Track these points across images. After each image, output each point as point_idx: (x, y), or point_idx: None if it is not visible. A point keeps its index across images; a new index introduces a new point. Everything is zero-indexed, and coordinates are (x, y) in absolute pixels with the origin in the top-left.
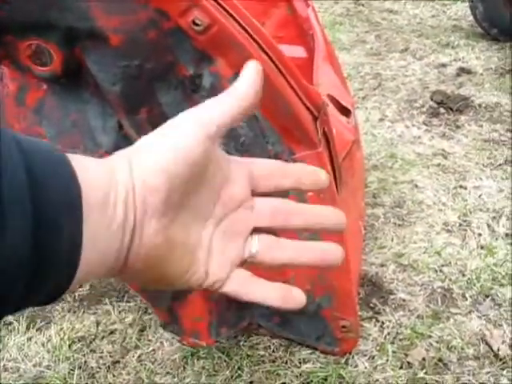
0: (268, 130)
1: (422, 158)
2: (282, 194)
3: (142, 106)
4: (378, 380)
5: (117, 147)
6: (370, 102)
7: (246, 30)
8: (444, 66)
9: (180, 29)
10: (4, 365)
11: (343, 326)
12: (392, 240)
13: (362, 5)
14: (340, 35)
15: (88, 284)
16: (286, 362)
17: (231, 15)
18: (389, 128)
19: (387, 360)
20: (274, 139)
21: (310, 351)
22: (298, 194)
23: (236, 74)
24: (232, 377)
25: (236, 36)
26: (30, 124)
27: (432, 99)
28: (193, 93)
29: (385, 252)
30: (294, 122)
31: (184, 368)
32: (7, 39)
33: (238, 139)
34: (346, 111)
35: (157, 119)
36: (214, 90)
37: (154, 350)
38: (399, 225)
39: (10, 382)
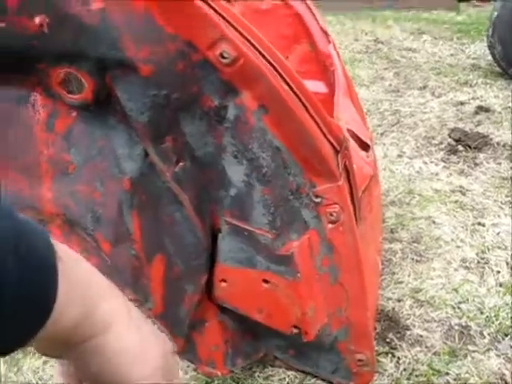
0: (290, 162)
1: (439, 195)
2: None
3: (167, 135)
4: None
5: (142, 174)
6: (388, 139)
7: (270, 64)
8: (462, 103)
9: (207, 61)
10: None
11: (359, 360)
12: (409, 275)
13: (382, 43)
14: (359, 72)
15: None
16: None
17: (257, 48)
18: (407, 164)
19: None
20: (296, 171)
21: None
22: (318, 228)
23: (260, 107)
24: None
25: (262, 69)
26: (59, 150)
27: (450, 136)
28: (217, 124)
29: (402, 287)
30: (316, 154)
31: None
32: (40, 67)
33: (261, 170)
34: (365, 146)
35: (181, 149)
36: (239, 122)
37: None
38: (417, 260)
39: None
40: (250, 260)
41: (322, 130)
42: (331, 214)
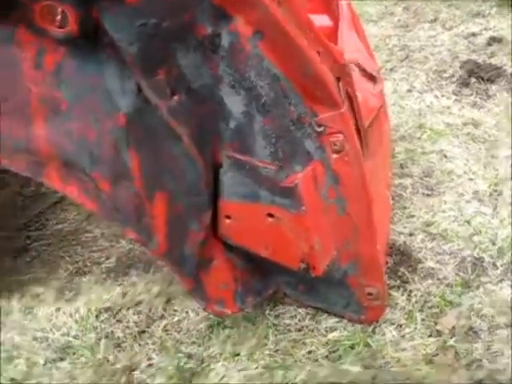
0: (289, 90)
1: (451, 128)
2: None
3: (160, 67)
4: (405, 348)
5: (137, 110)
6: (397, 74)
7: None
8: (474, 35)
9: None
10: (33, 334)
11: (369, 293)
12: (420, 209)
13: None
14: (367, 8)
15: (114, 256)
16: (313, 331)
17: None
18: (417, 99)
19: (415, 328)
20: (296, 100)
21: (336, 320)
22: (322, 159)
23: (256, 32)
24: (257, 345)
25: None
26: (48, 87)
27: (462, 69)
28: (212, 53)
29: (413, 221)
30: (317, 82)
31: (209, 337)
32: (22, 1)
33: (260, 99)
34: (371, 77)
35: (176, 81)
36: (234, 50)
37: (179, 319)
38: (428, 194)
39: (40, 350)
40: (253, 194)
41: (321, 56)
42: (335, 144)
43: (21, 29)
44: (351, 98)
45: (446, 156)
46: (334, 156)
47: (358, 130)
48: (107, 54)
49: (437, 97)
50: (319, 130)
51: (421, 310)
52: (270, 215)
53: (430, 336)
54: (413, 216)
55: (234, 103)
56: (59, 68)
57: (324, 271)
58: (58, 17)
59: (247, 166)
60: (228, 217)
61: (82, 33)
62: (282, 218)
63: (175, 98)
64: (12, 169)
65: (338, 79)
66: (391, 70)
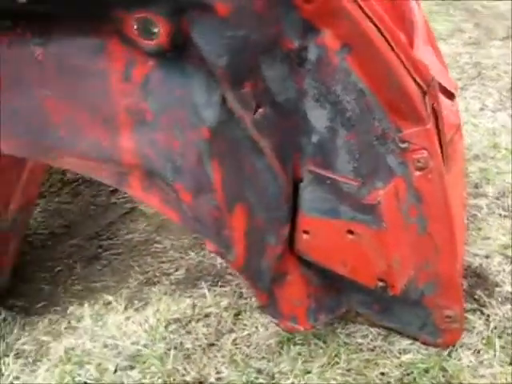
0: (375, 105)
1: None
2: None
3: (247, 80)
4: (484, 375)
5: (221, 122)
6: (469, 92)
7: (354, 0)
8: None
9: None
10: (104, 341)
11: (447, 316)
12: (497, 231)
13: None
14: (436, 25)
15: (184, 268)
16: (385, 352)
17: None
18: (490, 118)
19: (494, 355)
20: (381, 115)
21: (410, 341)
22: (405, 176)
23: (344, 46)
24: (329, 364)
25: (345, 5)
26: (136, 100)
27: None
28: (298, 66)
29: (489, 243)
30: (402, 96)
31: (280, 353)
32: (116, 14)
33: (345, 114)
34: (449, 94)
35: (261, 94)
36: (321, 64)
37: (249, 334)
38: (504, 216)
39: (110, 357)
40: (333, 210)
41: (408, 69)
42: (419, 161)
43: (112, 40)
44: (436, 114)
45: None
46: (417, 173)
47: (441, 147)
48: (194, 65)
49: (511, 116)
50: (403, 146)
51: (500, 336)
52: (350, 232)
53: (510, 364)
54: (489, 238)
55: (318, 117)
56: (147, 80)
57: (401, 291)
58: (151, 29)
59: (328, 182)
60: (306, 232)
61: (172, 45)
62: (362, 235)
63: (260, 110)
64: (96, 177)
65: (424, 94)
66: (462, 88)
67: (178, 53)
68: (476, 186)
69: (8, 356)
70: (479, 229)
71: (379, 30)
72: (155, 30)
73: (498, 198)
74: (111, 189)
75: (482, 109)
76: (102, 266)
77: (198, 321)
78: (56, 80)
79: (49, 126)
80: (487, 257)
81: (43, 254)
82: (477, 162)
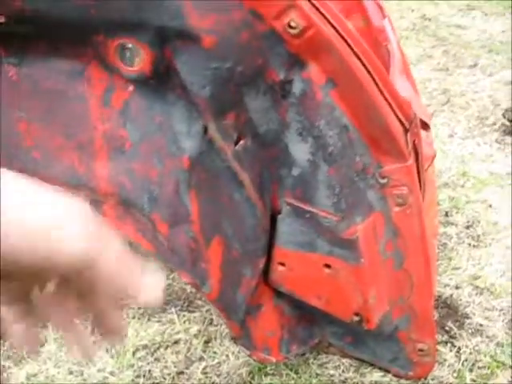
0: (357, 140)
1: (495, 177)
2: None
3: (230, 111)
4: None
5: (201, 153)
6: (438, 118)
7: (340, 35)
8: None
9: (274, 31)
10: (69, 368)
11: (420, 349)
12: (467, 261)
13: (429, 19)
14: (406, 50)
15: None
16: None
17: (326, 18)
18: (459, 145)
19: None
20: (363, 150)
21: (381, 374)
22: (384, 211)
23: (329, 81)
24: None
25: (332, 41)
26: (114, 126)
27: (504, 117)
28: (282, 99)
29: (459, 274)
30: (385, 132)
31: (250, 383)
32: (98, 38)
33: (327, 149)
34: (424, 126)
35: (243, 125)
36: (305, 97)
37: (219, 362)
38: (474, 245)
39: None
40: (311, 243)
41: (391, 106)
42: (398, 197)
43: (92, 65)
44: (417, 151)
45: (490, 206)
46: (396, 209)
47: (420, 183)
48: (176, 95)
49: (479, 144)
50: (383, 181)
51: (470, 370)
52: (327, 266)
53: None
54: (459, 268)
55: (300, 151)
56: (126, 106)
57: (376, 325)
58: (133, 56)
59: (307, 215)
60: (282, 264)
61: (154, 73)
62: (339, 270)
63: (241, 142)
64: None
65: (406, 131)
66: (432, 114)
67: (159, 81)
68: (446, 215)
69: None
70: (449, 258)
71: (364, 66)
72: (137, 58)
73: (467, 227)
74: None
75: (451, 135)
76: None
77: (166, 347)
78: (30, 102)
79: (21, 148)
80: (457, 287)
81: None
82: (447, 190)
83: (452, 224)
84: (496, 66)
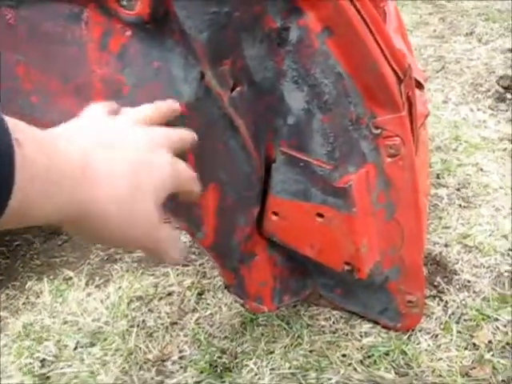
0: (351, 90)
1: (487, 142)
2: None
3: (227, 58)
4: (441, 358)
5: (198, 99)
6: (433, 85)
7: None
8: (511, 51)
9: None
10: (64, 318)
11: (409, 301)
12: (457, 221)
13: None
14: (403, 16)
15: None
16: (347, 335)
17: None
18: (452, 111)
19: (451, 340)
20: (357, 100)
21: (370, 325)
22: (376, 162)
23: (325, 29)
24: (292, 345)
25: None
26: (112, 70)
27: (498, 84)
28: (278, 47)
29: (449, 232)
30: (379, 82)
31: (243, 333)
32: None
33: (322, 97)
34: (418, 84)
35: (239, 72)
36: (301, 45)
37: (212, 313)
38: (464, 206)
39: (70, 334)
40: (304, 192)
41: (386, 57)
42: (391, 147)
43: (91, 8)
44: (411, 102)
45: (481, 169)
46: (389, 160)
47: (413, 135)
48: (174, 40)
49: (472, 110)
50: (376, 132)
51: (457, 322)
52: (320, 215)
53: (466, 349)
54: (448, 227)
55: (295, 99)
56: (124, 51)
57: (367, 275)
58: None
59: (301, 164)
60: (275, 213)
61: (152, 17)
62: (331, 219)
63: (238, 89)
64: None
65: (400, 82)
66: (427, 78)
67: (157, 25)
68: (438, 177)
69: None
70: (440, 218)
71: (361, 15)
72: (136, 1)
73: (458, 189)
74: None
75: (445, 101)
76: (61, 242)
77: (160, 299)
78: (28, 45)
79: (19, 92)
80: (447, 245)
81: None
82: (439, 153)
83: (443, 186)
84: (492, 35)
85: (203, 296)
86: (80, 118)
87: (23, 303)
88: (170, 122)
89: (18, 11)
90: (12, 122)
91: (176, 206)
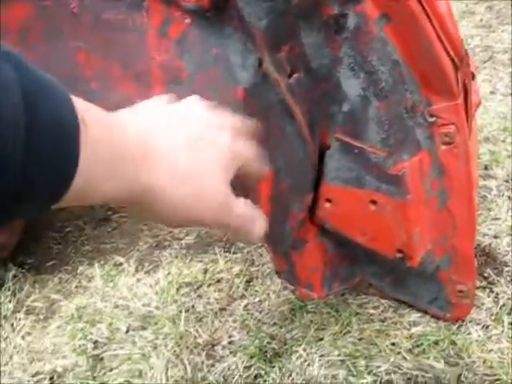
0: (408, 77)
1: None
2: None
3: (284, 44)
4: (492, 350)
5: (256, 85)
6: (480, 75)
7: None
8: None
9: None
10: (115, 302)
11: (460, 291)
12: (506, 212)
13: None
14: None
15: (195, 233)
16: (396, 323)
17: None
18: (500, 101)
19: (502, 331)
20: (413, 87)
21: (419, 314)
22: (431, 149)
23: (383, 16)
24: (341, 332)
25: None
26: (172, 56)
27: None
28: (335, 34)
29: (499, 224)
30: (436, 69)
31: (292, 320)
32: None
33: (378, 84)
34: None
35: (296, 59)
36: (359, 32)
37: (260, 300)
38: None
39: (122, 317)
40: (358, 179)
41: (443, 44)
42: (446, 135)
43: None
44: (466, 90)
45: None
46: (443, 147)
47: (468, 123)
48: (232, 27)
49: None
50: (431, 120)
51: (508, 314)
52: (373, 202)
53: None
54: (498, 219)
55: (351, 86)
56: (183, 37)
57: (418, 263)
58: None
59: (356, 151)
60: (329, 200)
61: (212, 5)
62: (385, 206)
63: (295, 75)
64: None
65: (457, 69)
66: (476, 67)
67: (216, 13)
68: (486, 168)
69: (19, 312)
70: (489, 209)
71: (419, 1)
72: None
73: (507, 181)
74: None
75: (492, 92)
76: (111, 228)
77: (209, 285)
78: (90, 33)
79: (80, 78)
80: (496, 237)
81: (52, 215)
82: (487, 145)
83: (492, 177)
84: None
85: (252, 283)
86: (144, 102)
87: (75, 287)
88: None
89: (82, 0)
90: (79, 103)
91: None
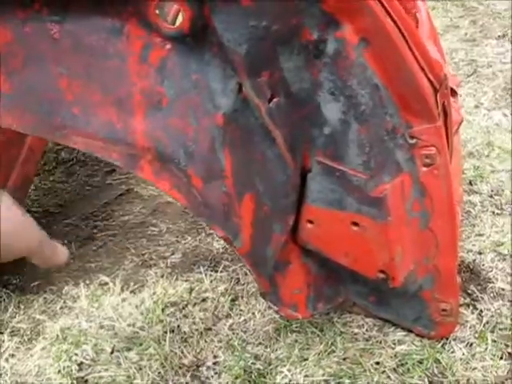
0: (387, 101)
1: None
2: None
3: (264, 69)
4: (476, 368)
5: (236, 110)
6: (464, 89)
7: None
8: None
9: None
10: (100, 322)
11: (443, 309)
12: (490, 228)
13: None
14: (433, 20)
15: (180, 252)
16: (381, 342)
17: None
18: (485, 116)
19: (486, 349)
20: (393, 110)
21: (404, 333)
22: (412, 171)
23: (361, 41)
24: (325, 352)
25: (368, 1)
26: (152, 82)
27: None
28: (315, 59)
29: (483, 240)
30: (415, 92)
31: (277, 340)
32: None
33: (359, 108)
34: (452, 92)
35: (276, 84)
36: (338, 57)
37: (245, 320)
38: (497, 214)
39: (107, 338)
40: (339, 201)
41: (422, 67)
42: (426, 157)
43: (132, 22)
44: (446, 112)
45: None
46: (424, 169)
47: (448, 144)
48: (212, 53)
49: (505, 115)
50: (412, 142)
51: (492, 331)
52: (355, 223)
53: (502, 358)
54: (482, 235)
55: (332, 110)
56: (164, 64)
57: (401, 283)
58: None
59: (337, 173)
60: (310, 221)
61: (192, 31)
62: (366, 228)
63: (275, 100)
64: (105, 158)
65: (436, 92)
66: (459, 82)
67: (196, 39)
68: (470, 183)
69: (3, 333)
70: (473, 225)
71: (397, 26)
72: (175, 15)
73: (491, 196)
74: (106, 169)
75: (476, 106)
76: (97, 247)
77: (194, 305)
78: (71, 58)
79: (62, 103)
80: (480, 253)
81: None
82: (471, 160)
83: (476, 192)
84: None
85: (237, 302)
86: None
87: (60, 307)
88: None
89: (63, 25)
90: None
91: (214, 213)
